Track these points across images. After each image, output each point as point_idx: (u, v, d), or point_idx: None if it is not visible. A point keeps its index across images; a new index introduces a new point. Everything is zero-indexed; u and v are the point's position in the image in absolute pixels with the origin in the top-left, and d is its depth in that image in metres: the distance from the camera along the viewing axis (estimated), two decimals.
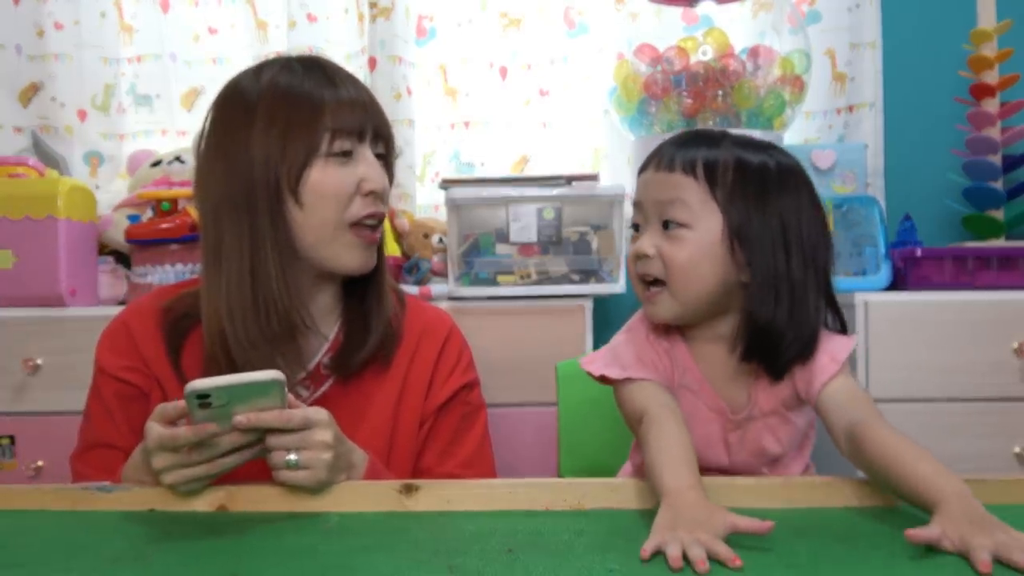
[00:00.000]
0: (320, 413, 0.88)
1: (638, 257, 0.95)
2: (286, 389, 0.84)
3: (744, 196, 0.92)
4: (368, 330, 1.07)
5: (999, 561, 0.66)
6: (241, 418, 0.82)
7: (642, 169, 0.99)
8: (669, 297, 0.94)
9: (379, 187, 1.03)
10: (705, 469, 0.92)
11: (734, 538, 0.71)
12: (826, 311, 0.97)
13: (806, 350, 0.94)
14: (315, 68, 1.03)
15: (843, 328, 0.99)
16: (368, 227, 1.04)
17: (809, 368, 0.94)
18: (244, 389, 0.81)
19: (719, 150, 0.95)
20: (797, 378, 0.96)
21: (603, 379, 0.98)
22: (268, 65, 1.04)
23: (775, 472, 1.01)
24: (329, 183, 1.00)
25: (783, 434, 0.99)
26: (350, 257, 1.03)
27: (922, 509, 0.76)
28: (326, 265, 1.03)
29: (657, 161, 0.96)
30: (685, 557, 0.67)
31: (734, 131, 1.02)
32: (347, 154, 1.01)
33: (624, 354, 0.97)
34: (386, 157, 1.08)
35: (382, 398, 1.09)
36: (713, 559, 0.67)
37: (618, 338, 1.01)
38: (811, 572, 0.67)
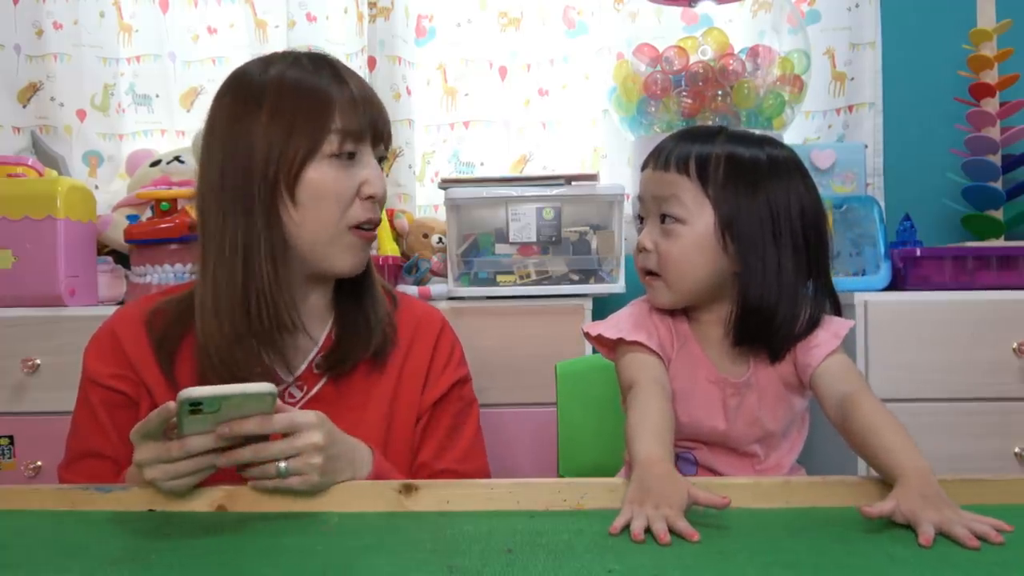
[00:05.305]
0: (307, 416, 0.87)
1: (639, 250, 1.03)
2: (278, 401, 0.85)
3: (735, 190, 0.98)
4: (369, 329, 1.07)
5: (942, 534, 0.72)
6: (224, 428, 0.83)
7: (643, 166, 1.05)
8: (664, 286, 1.01)
9: (379, 192, 1.03)
10: (704, 435, 1.03)
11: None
12: (823, 297, 1.02)
13: (800, 330, 0.99)
14: (323, 65, 1.03)
15: (838, 314, 1.04)
16: (366, 230, 1.04)
17: (809, 343, 1.00)
18: (237, 399, 0.81)
19: (712, 146, 1.00)
20: (797, 353, 1.01)
21: (599, 340, 1.05)
22: (276, 58, 1.03)
23: (766, 451, 1.04)
24: (329, 184, 0.99)
25: (780, 412, 1.03)
26: (346, 259, 1.03)
27: (886, 481, 0.83)
28: (320, 266, 1.03)
29: (655, 160, 1.03)
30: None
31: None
32: (351, 156, 1.01)
33: (623, 320, 1.04)
34: (383, 158, 1.08)
35: (377, 395, 1.08)
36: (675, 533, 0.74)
37: (621, 310, 1.08)
38: (811, 572, 0.66)
